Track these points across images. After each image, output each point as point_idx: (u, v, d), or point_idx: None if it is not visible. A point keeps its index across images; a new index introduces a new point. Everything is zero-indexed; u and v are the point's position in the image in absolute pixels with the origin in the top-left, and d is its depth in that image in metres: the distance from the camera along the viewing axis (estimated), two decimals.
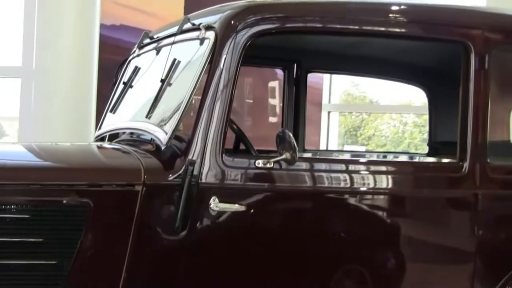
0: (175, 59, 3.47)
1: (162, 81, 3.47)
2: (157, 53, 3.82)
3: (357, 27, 3.40)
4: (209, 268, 3.20)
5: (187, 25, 3.51)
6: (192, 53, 3.34)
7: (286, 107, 4.73)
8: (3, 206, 3.02)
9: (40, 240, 3.04)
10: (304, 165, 3.24)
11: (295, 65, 4.69)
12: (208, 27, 3.30)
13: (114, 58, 4.60)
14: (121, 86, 4.07)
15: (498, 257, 3.52)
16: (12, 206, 3.03)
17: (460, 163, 3.42)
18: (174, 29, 3.60)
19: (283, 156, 3.11)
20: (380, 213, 3.42)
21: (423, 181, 3.45)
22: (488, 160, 3.44)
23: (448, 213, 3.48)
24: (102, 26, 6.43)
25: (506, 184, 3.53)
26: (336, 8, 3.44)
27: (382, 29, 3.44)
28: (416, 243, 3.45)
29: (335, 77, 7.80)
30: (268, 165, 3.16)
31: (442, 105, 4.66)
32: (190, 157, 3.11)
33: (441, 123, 4.71)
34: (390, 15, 3.45)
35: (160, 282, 3.13)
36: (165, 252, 3.14)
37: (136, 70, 4.00)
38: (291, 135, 3.11)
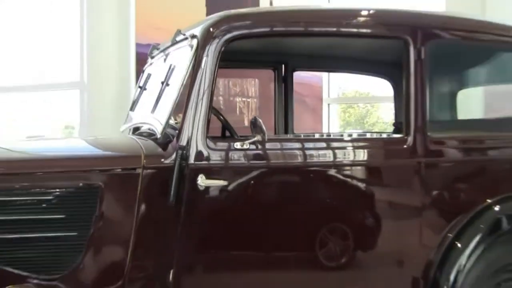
0: (171, 64, 3.45)
1: (162, 82, 3.44)
2: (164, 61, 3.78)
3: (310, 29, 3.37)
4: (201, 236, 3.16)
5: (181, 36, 3.48)
6: (184, 58, 3.29)
7: (277, 101, 4.64)
8: (36, 190, 3.02)
9: (63, 216, 3.04)
10: (272, 145, 3.19)
11: (283, 65, 4.60)
12: (193, 36, 3.26)
13: None
14: (138, 89, 4.06)
15: (441, 212, 3.44)
16: (41, 190, 3.03)
17: (406, 137, 3.36)
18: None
19: (255, 138, 3.09)
20: (338, 182, 3.35)
21: (376, 153, 3.38)
22: (429, 134, 3.36)
23: (398, 178, 3.40)
24: (138, 45, 6.40)
25: (445, 154, 3.45)
26: (292, 15, 3.42)
27: (336, 29, 3.40)
28: (371, 204, 3.36)
29: (332, 76, 7.68)
30: (244, 146, 3.12)
31: (402, 91, 4.56)
32: (180, 143, 3.07)
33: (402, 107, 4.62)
34: (344, 18, 3.39)
35: (161, 248, 3.09)
36: (164, 222, 3.09)
37: (148, 75, 3.98)
38: (261, 121, 3.07)
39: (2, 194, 2.98)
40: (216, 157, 3.10)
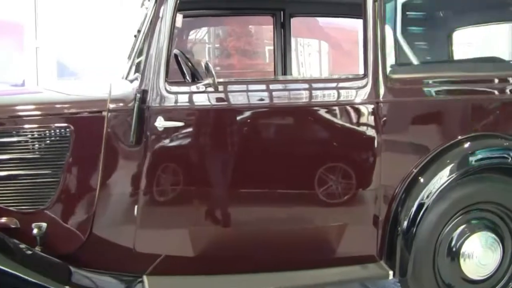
0: (145, 14, 3.53)
1: (138, 31, 3.54)
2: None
3: None
4: (161, 173, 3.22)
5: None
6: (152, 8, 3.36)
7: (276, 45, 4.65)
8: (17, 132, 3.21)
9: (40, 156, 3.22)
10: (223, 88, 3.21)
11: (281, 12, 4.61)
12: None
13: None
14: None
15: (403, 149, 3.38)
16: (21, 132, 3.21)
17: (365, 77, 3.31)
18: None
19: (207, 81, 3.13)
20: (292, 121, 3.34)
21: (334, 93, 3.32)
22: (388, 74, 3.30)
23: (356, 118, 3.31)
24: None
25: (404, 93, 3.35)
26: None
27: None
28: (331, 142, 3.34)
29: None
30: (200, 89, 3.16)
31: None
32: (142, 87, 3.13)
33: None
34: None
35: (126, 184, 3.21)
36: (128, 161, 3.20)
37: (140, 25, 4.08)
38: (211, 66, 3.10)
39: None
40: (174, 100, 3.15)
